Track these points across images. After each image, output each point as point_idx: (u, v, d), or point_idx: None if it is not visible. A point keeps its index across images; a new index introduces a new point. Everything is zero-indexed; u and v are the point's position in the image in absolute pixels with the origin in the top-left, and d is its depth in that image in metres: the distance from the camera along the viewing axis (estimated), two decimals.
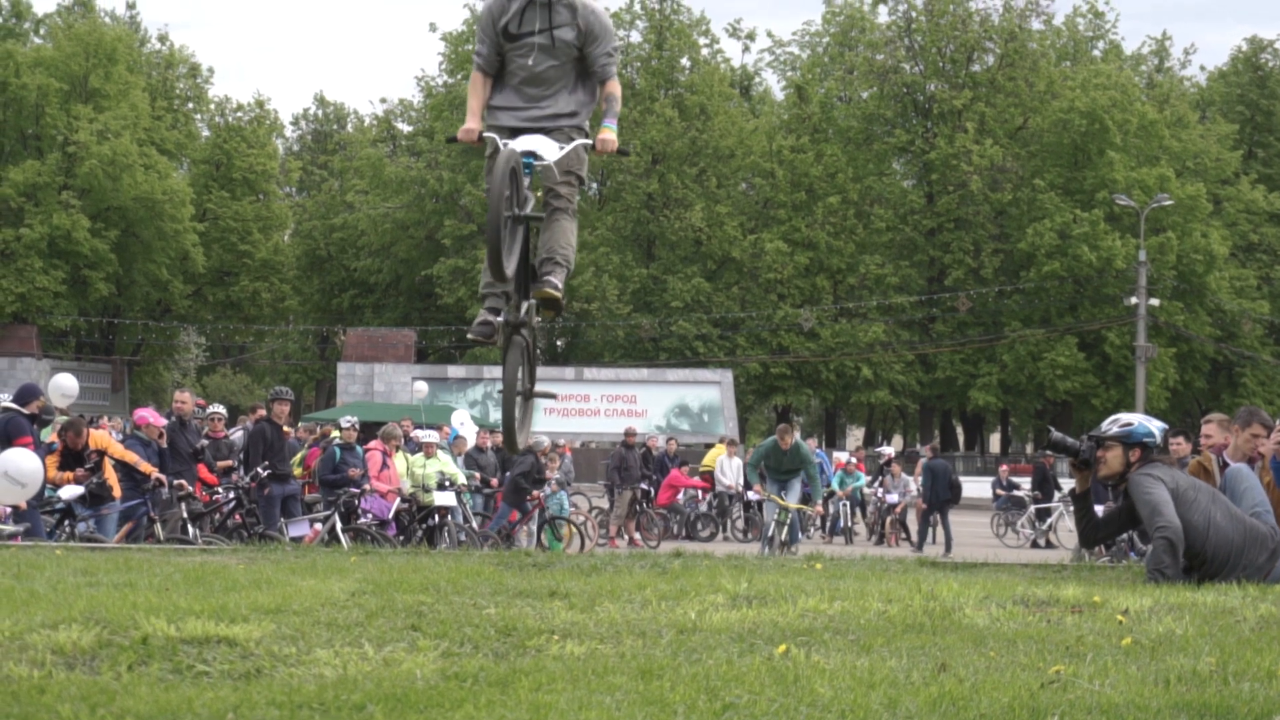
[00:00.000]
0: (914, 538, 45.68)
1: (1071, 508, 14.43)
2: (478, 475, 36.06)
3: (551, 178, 11.56)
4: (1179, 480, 13.25)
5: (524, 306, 11.79)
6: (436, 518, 30.72)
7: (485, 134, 11.67)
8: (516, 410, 12.28)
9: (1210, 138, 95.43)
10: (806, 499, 32.95)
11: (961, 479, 52.04)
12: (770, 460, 32.23)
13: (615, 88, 11.74)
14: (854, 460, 51.92)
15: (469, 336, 12.33)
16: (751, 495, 40.89)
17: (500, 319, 11.68)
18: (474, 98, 12.02)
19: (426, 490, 30.89)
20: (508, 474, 36.43)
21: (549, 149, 11.40)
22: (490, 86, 12.07)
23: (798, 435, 34.32)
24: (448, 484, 31.31)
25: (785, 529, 32.53)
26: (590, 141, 11.67)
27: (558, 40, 11.69)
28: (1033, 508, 47.78)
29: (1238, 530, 13.03)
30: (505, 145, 11.21)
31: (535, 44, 11.76)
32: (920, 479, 45.94)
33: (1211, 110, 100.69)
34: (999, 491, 51.45)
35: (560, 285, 11.71)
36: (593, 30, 11.69)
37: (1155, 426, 13.76)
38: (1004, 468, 55.69)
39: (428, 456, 32.22)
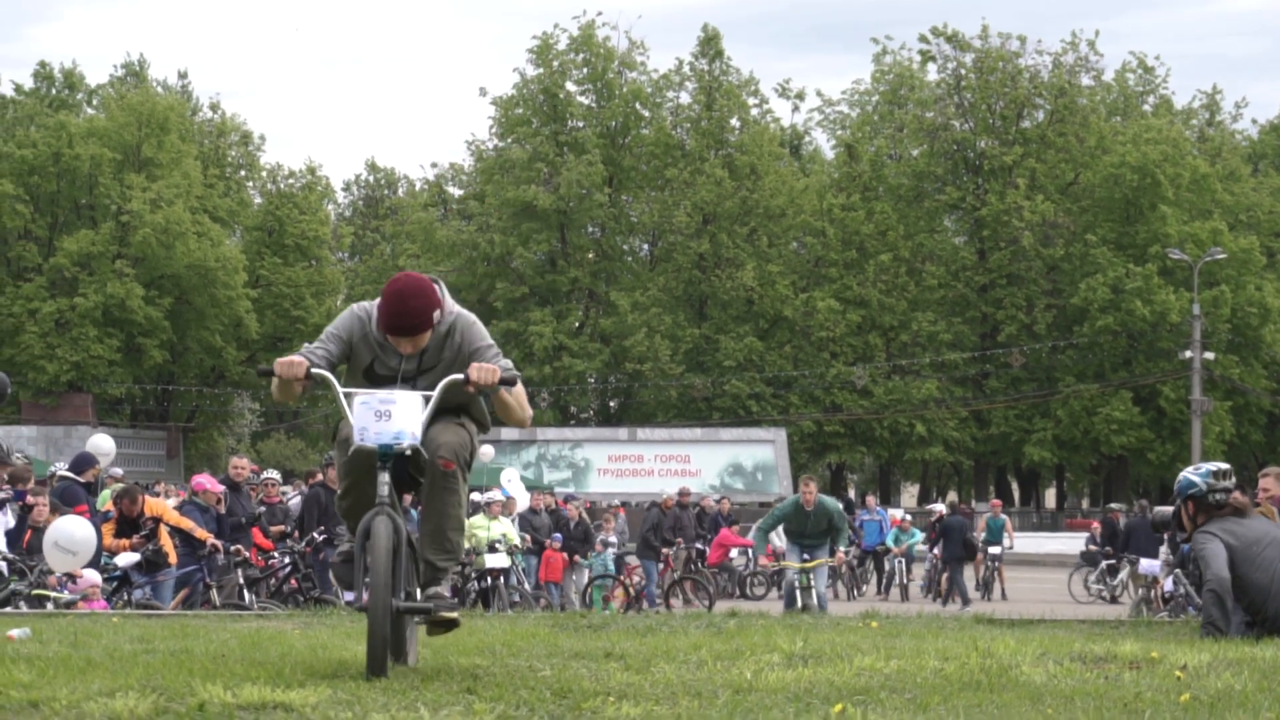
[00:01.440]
0: (967, 594, 45.41)
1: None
2: (529, 537, 36.05)
3: (426, 459, 10.07)
4: (1244, 535, 13.13)
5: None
6: (489, 579, 30.69)
7: (316, 369, 10.12)
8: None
9: (1263, 190, 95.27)
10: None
11: (1019, 534, 51.70)
12: (793, 524, 28.03)
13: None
14: (909, 518, 51.50)
15: (331, 576, 11.19)
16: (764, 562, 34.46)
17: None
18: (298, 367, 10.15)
19: (477, 553, 30.84)
20: (641, 533, 36.94)
21: (410, 412, 9.76)
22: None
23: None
24: (499, 546, 31.26)
25: (811, 594, 27.64)
26: (461, 377, 9.97)
27: (433, 376, 10.23)
28: (1104, 564, 47.40)
29: None
30: (364, 446, 9.71)
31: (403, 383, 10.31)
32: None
33: (1264, 163, 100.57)
34: (1091, 547, 50.71)
35: (454, 601, 10.36)
36: (472, 350, 10.29)
37: (1197, 475, 13.65)
38: (1094, 524, 55.20)
39: (490, 518, 32.21)
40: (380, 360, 10.41)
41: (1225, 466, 13.91)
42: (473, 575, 30.83)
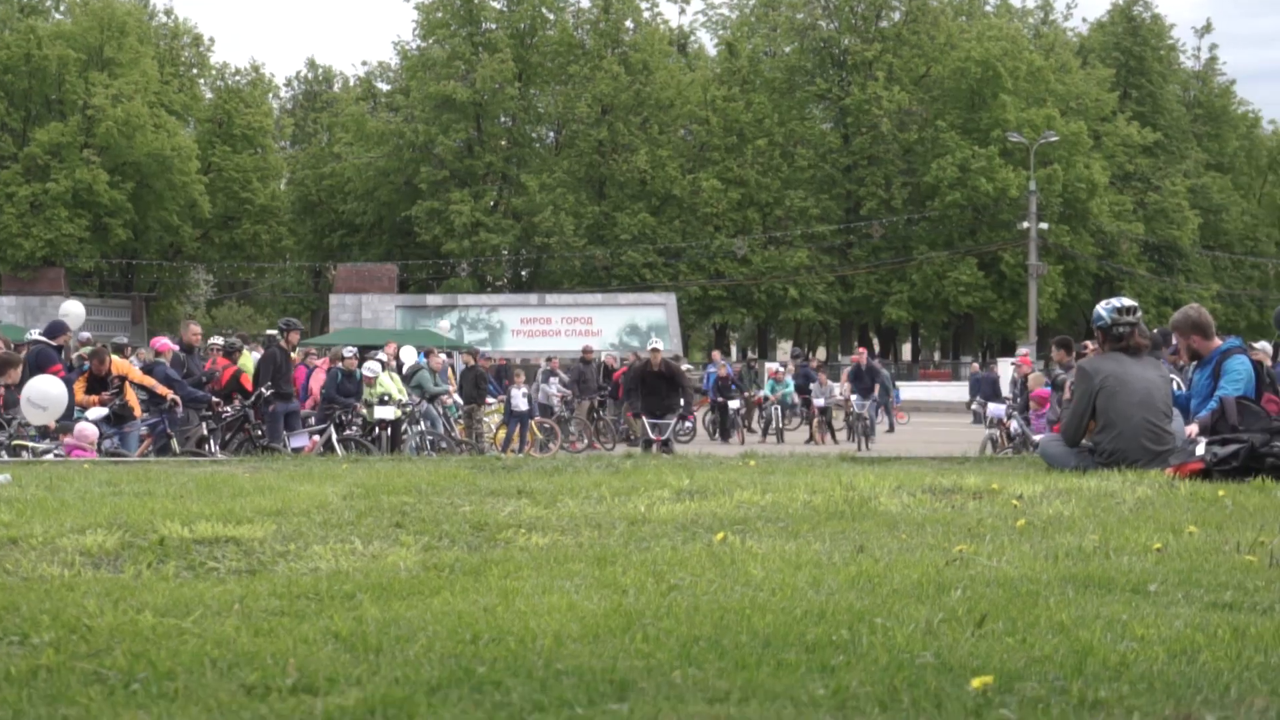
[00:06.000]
0: (835, 437, 45.31)
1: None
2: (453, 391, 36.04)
3: None
4: (1120, 374, 13.15)
5: None
6: (383, 429, 30.64)
7: None
8: None
9: (1090, 81, 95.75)
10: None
11: None
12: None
13: None
14: (782, 369, 51.06)
15: None
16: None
17: None
18: None
19: (369, 405, 30.72)
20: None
21: None
22: None
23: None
24: (386, 400, 31.01)
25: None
26: None
27: None
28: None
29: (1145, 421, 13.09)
30: None
31: None
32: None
33: (1091, 57, 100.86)
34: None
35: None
36: None
37: (1105, 309, 13.60)
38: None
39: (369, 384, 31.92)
40: None
41: (1131, 303, 13.82)
42: (372, 426, 30.66)
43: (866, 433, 42.58)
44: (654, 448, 26.22)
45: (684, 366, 52.07)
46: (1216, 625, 6.03)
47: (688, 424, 42.24)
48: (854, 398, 43.47)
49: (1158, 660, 5.46)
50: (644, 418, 27.71)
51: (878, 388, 44.71)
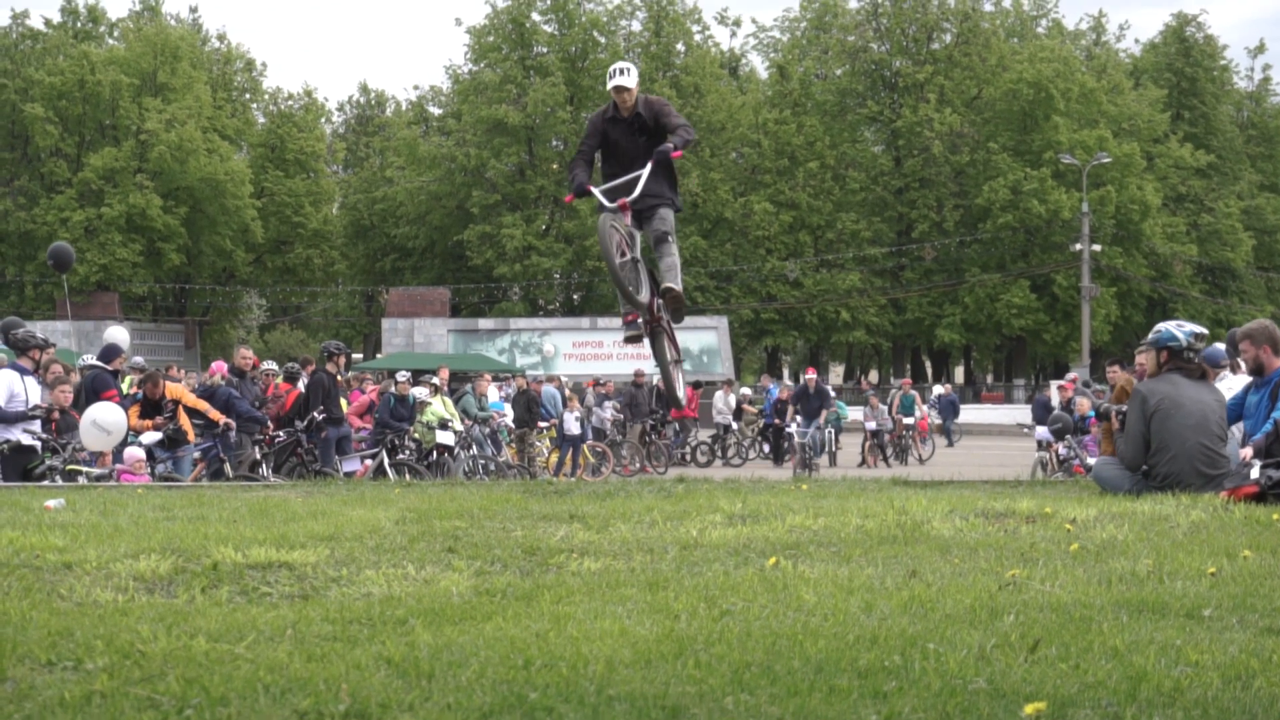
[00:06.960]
0: (889, 461, 45.34)
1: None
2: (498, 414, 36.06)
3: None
4: (1177, 398, 13.05)
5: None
6: (438, 454, 30.62)
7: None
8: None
9: (1143, 102, 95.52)
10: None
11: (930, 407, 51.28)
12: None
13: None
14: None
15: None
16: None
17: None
18: None
19: (430, 428, 30.72)
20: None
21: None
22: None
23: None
24: (450, 425, 30.98)
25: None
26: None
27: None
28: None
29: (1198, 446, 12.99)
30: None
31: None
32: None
33: (1144, 78, 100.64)
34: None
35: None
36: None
37: (1181, 331, 13.51)
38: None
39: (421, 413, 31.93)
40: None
41: (1204, 330, 13.75)
42: (428, 451, 30.62)
43: (809, 463, 40.32)
44: (624, 220, 14.81)
45: (739, 391, 51.97)
46: (1271, 650, 6.01)
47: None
48: (797, 421, 42.24)
49: (1212, 686, 5.45)
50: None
51: (824, 413, 42.64)
